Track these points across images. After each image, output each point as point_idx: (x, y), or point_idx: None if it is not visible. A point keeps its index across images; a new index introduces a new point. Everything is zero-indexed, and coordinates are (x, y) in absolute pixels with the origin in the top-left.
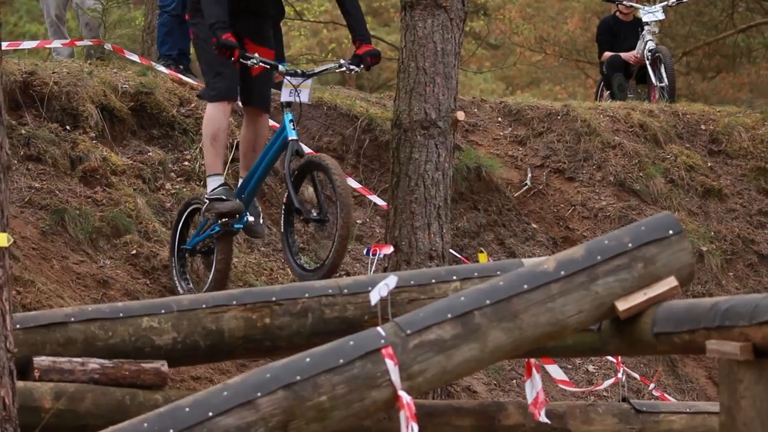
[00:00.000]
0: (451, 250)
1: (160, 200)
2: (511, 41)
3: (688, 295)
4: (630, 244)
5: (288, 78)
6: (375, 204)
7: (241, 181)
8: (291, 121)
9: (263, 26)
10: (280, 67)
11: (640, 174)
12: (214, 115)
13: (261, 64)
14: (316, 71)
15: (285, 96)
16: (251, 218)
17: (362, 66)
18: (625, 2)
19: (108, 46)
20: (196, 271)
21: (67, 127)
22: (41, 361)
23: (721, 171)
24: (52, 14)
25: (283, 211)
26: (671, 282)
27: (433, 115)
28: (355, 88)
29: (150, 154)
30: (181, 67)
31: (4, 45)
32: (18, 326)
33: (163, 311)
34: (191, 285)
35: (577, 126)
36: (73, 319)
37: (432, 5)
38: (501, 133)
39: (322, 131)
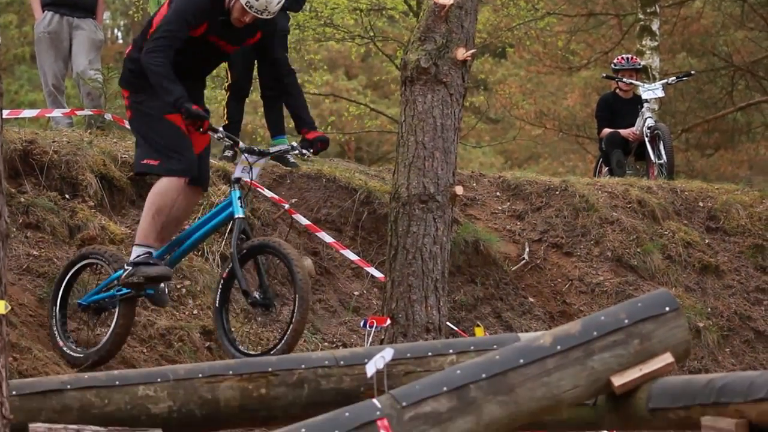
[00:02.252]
0: (447, 323)
1: None
2: (511, 115)
3: (684, 370)
4: (626, 321)
5: (246, 155)
6: (372, 276)
7: (160, 247)
8: (240, 198)
9: (198, 89)
10: (241, 144)
11: (638, 250)
12: (169, 190)
13: (226, 139)
14: (271, 151)
15: (238, 172)
16: (161, 286)
17: (312, 150)
18: (625, 79)
19: (108, 116)
20: (77, 329)
21: (67, 196)
22: (37, 427)
23: (718, 248)
24: (49, 84)
25: (220, 288)
26: (667, 358)
27: (432, 189)
28: (354, 160)
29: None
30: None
31: (5, 113)
32: (14, 393)
33: (159, 380)
34: (78, 346)
35: (575, 201)
36: (69, 386)
37: (432, 80)
38: (499, 208)
39: (321, 203)
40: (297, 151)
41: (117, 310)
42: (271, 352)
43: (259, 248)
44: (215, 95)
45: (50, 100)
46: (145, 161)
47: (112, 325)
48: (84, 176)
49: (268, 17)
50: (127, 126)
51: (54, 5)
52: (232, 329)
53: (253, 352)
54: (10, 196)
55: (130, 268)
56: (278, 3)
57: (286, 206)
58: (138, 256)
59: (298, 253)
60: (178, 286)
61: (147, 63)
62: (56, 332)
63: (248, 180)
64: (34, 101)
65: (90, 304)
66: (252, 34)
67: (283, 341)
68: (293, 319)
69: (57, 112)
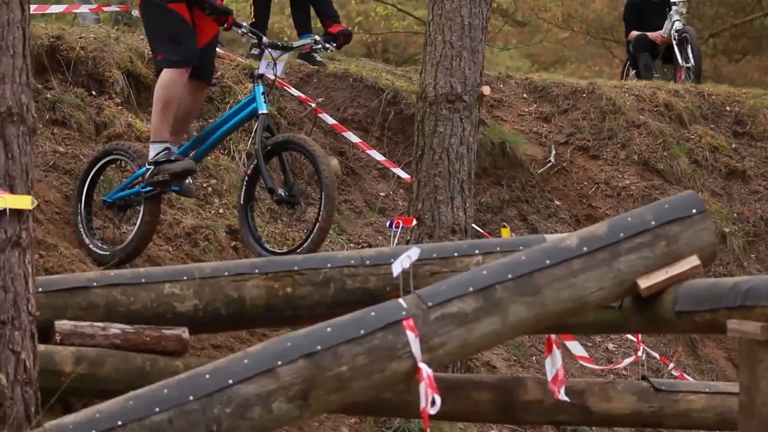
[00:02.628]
0: (473, 225)
1: None
2: (539, 17)
3: (710, 276)
4: (653, 222)
5: (269, 50)
6: (398, 177)
7: (184, 143)
8: (263, 93)
9: None
10: (264, 39)
11: (664, 154)
12: (171, 81)
13: (250, 34)
14: (294, 45)
15: (262, 68)
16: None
17: (335, 44)
18: None
19: (135, 13)
20: (102, 227)
21: (93, 93)
22: (63, 325)
23: (745, 153)
24: None
25: (244, 185)
26: (693, 261)
27: (459, 89)
28: (381, 61)
29: None
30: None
31: (32, 8)
32: (40, 290)
33: (185, 278)
34: (104, 244)
35: (602, 104)
36: (95, 283)
37: None
38: (526, 110)
39: (347, 103)
40: (320, 45)
41: (142, 207)
42: (297, 251)
43: (283, 144)
44: None
45: None
46: (156, 58)
47: (138, 223)
48: (111, 73)
49: None
50: None
51: None
52: (258, 227)
53: (279, 251)
54: (37, 92)
55: (152, 167)
56: None
57: (313, 105)
58: (157, 153)
59: (324, 150)
60: (204, 185)
61: None
62: (82, 229)
63: (272, 76)
64: None
65: (115, 201)
66: None
67: (309, 240)
68: (319, 217)
69: (84, 8)
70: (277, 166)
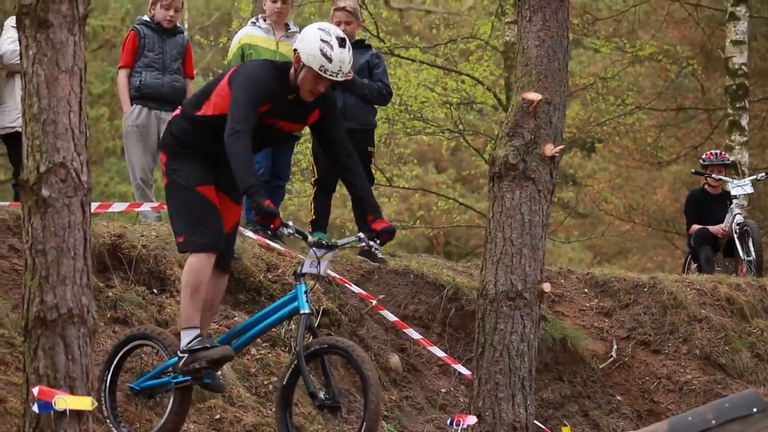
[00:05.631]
0: (535, 422)
1: (245, 365)
2: (600, 209)
3: None
4: (713, 422)
5: (314, 249)
6: (459, 373)
7: (220, 334)
8: (305, 292)
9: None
10: (309, 238)
11: (726, 348)
12: (199, 266)
13: (297, 234)
14: (339, 243)
15: (306, 267)
16: (218, 373)
17: (378, 241)
18: (714, 175)
19: None
20: (129, 412)
21: (154, 291)
22: None
23: None
24: (137, 177)
25: (281, 392)
26: None
27: (520, 287)
28: (442, 254)
29: (236, 318)
30: (269, 232)
31: (95, 207)
32: None
33: None
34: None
35: (663, 298)
36: None
37: (520, 176)
38: (587, 304)
39: (408, 299)
40: (364, 243)
41: (172, 398)
42: None
43: (328, 349)
44: (305, 188)
45: (138, 193)
46: (176, 238)
47: (166, 414)
48: (172, 270)
49: (343, 79)
50: None
51: (143, 99)
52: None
53: None
54: (99, 290)
55: (186, 355)
56: (350, 61)
57: (374, 302)
58: (191, 341)
59: (368, 357)
60: (265, 382)
61: (231, 146)
62: (107, 418)
63: (316, 273)
64: (124, 193)
65: (143, 390)
66: (310, 111)
67: None
68: (366, 417)
69: (146, 206)
70: (316, 366)
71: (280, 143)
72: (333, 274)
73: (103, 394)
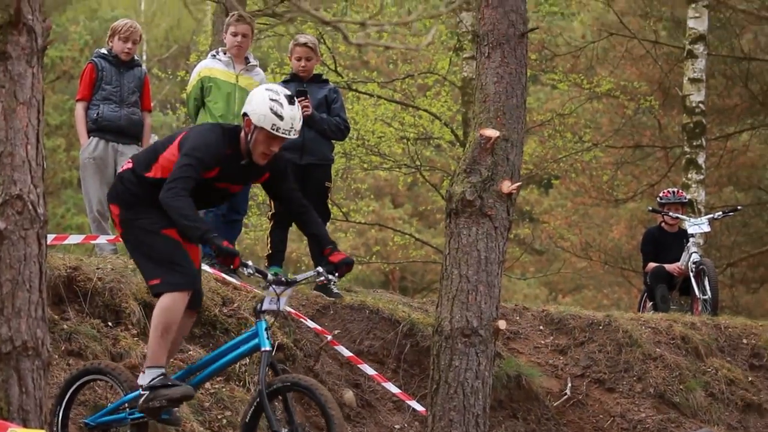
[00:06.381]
0: None
1: (199, 399)
2: (557, 246)
3: None
4: None
5: (273, 287)
6: (414, 410)
7: (178, 370)
8: (266, 329)
9: None
10: (269, 276)
11: (681, 387)
12: (173, 306)
13: (257, 274)
14: (298, 279)
15: (266, 304)
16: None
17: (337, 273)
18: (671, 213)
19: None
20: None
21: (109, 323)
22: None
23: (761, 385)
24: (94, 210)
25: (243, 429)
26: None
27: (475, 324)
28: (398, 290)
29: (191, 352)
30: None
31: (51, 239)
32: None
33: None
34: None
35: (618, 336)
36: None
37: (477, 213)
38: (542, 342)
39: (363, 335)
40: (323, 277)
41: None
42: None
43: (291, 387)
44: (261, 223)
45: (95, 225)
46: (150, 282)
47: None
48: (127, 303)
49: (295, 136)
50: None
51: (100, 131)
52: None
53: None
54: (53, 323)
55: (147, 392)
56: (300, 119)
57: (329, 338)
58: (153, 379)
59: (331, 395)
60: (219, 416)
61: (168, 202)
62: None
63: (276, 309)
64: (81, 224)
65: (98, 425)
66: (260, 174)
67: None
68: None
69: (102, 239)
70: (277, 401)
71: (216, 203)
72: (289, 309)
73: (55, 428)
